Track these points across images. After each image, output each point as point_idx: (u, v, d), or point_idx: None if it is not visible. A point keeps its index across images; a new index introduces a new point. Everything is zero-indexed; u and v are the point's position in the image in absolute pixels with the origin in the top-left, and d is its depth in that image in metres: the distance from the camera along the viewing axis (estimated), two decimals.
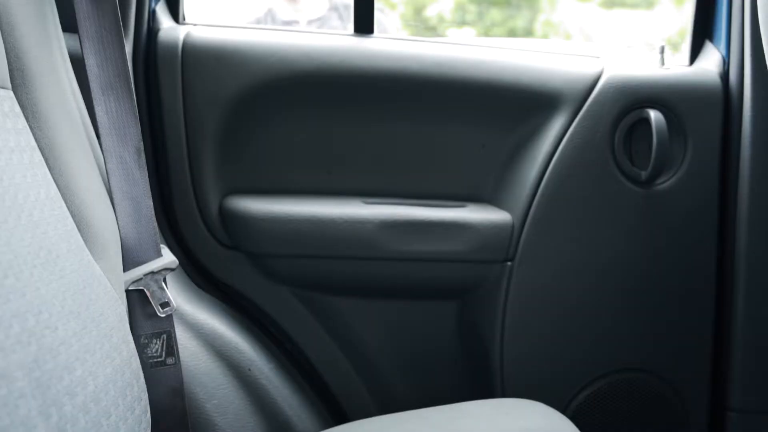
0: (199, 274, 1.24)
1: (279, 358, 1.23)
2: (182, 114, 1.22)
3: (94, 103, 0.79)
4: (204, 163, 1.22)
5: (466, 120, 1.27)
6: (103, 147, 0.80)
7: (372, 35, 1.30)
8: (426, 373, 1.32)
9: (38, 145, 0.68)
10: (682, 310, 1.30)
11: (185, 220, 1.23)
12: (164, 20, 1.25)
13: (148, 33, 1.22)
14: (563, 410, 1.29)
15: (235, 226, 1.23)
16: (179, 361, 0.83)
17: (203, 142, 1.22)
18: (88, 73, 0.79)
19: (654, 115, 1.23)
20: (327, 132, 1.27)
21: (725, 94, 1.27)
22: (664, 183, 1.26)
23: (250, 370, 1.13)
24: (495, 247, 1.25)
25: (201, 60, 1.21)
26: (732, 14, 1.28)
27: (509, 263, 1.26)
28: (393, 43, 1.28)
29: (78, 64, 0.79)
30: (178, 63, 1.21)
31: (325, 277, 1.27)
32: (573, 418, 1.28)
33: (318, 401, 1.27)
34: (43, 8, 0.74)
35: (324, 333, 1.29)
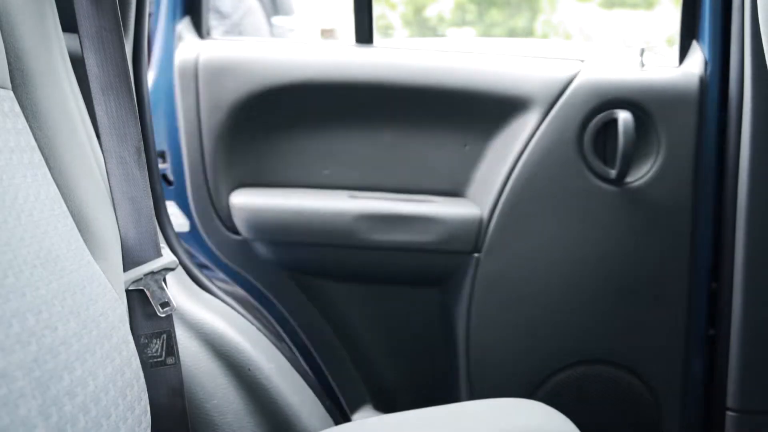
0: (199, 274, 1.25)
1: (279, 358, 1.23)
2: (197, 119, 1.38)
3: (94, 103, 0.79)
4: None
5: (449, 124, 1.37)
6: (103, 147, 0.80)
7: (372, 45, 1.41)
8: (409, 356, 1.42)
9: (38, 145, 0.68)
10: (652, 306, 1.33)
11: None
12: (187, 35, 1.42)
13: (171, 46, 1.39)
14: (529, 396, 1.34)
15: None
16: (179, 361, 0.83)
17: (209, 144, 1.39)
18: (88, 73, 0.79)
19: (623, 115, 1.28)
20: (324, 133, 1.36)
21: (701, 95, 1.29)
22: (637, 181, 1.31)
23: (249, 370, 1.13)
24: (464, 239, 1.35)
25: (215, 71, 1.37)
26: (716, 15, 1.30)
27: (477, 255, 1.35)
28: (391, 53, 1.39)
29: (78, 64, 0.79)
30: (195, 74, 1.36)
31: (317, 262, 1.40)
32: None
33: (318, 401, 1.27)
34: (43, 8, 0.74)
35: (315, 311, 1.43)
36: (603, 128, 1.31)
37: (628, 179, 1.31)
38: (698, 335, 1.35)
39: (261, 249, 1.39)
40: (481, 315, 1.35)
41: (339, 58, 1.38)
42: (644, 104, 1.30)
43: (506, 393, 1.30)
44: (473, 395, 1.36)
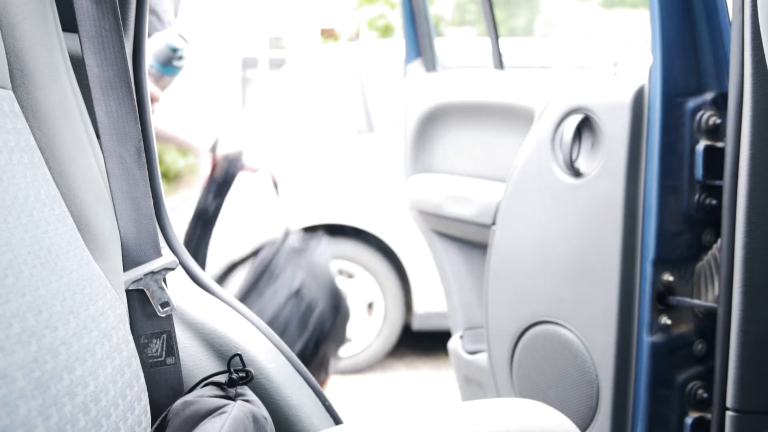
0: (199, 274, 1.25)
1: (279, 358, 1.24)
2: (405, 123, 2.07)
3: (94, 103, 0.79)
4: None
5: (515, 133, 1.79)
6: (103, 147, 0.80)
7: (503, 69, 1.98)
8: None
9: (38, 145, 0.68)
10: (588, 281, 1.55)
11: None
12: (418, 69, 1.98)
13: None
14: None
15: None
16: (179, 361, 0.83)
17: None
18: (88, 73, 0.79)
19: (572, 119, 1.54)
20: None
21: (637, 98, 1.46)
22: (588, 175, 1.52)
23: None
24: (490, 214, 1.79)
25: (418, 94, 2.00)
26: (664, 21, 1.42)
27: (493, 226, 1.75)
28: (513, 76, 1.90)
29: (78, 64, 0.79)
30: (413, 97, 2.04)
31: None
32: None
33: (318, 401, 1.27)
34: (43, 8, 0.74)
35: None
36: (576, 130, 1.56)
37: (584, 172, 1.52)
38: (641, 316, 1.47)
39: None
40: (492, 275, 1.75)
41: (478, 82, 1.92)
42: (592, 109, 1.52)
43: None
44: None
